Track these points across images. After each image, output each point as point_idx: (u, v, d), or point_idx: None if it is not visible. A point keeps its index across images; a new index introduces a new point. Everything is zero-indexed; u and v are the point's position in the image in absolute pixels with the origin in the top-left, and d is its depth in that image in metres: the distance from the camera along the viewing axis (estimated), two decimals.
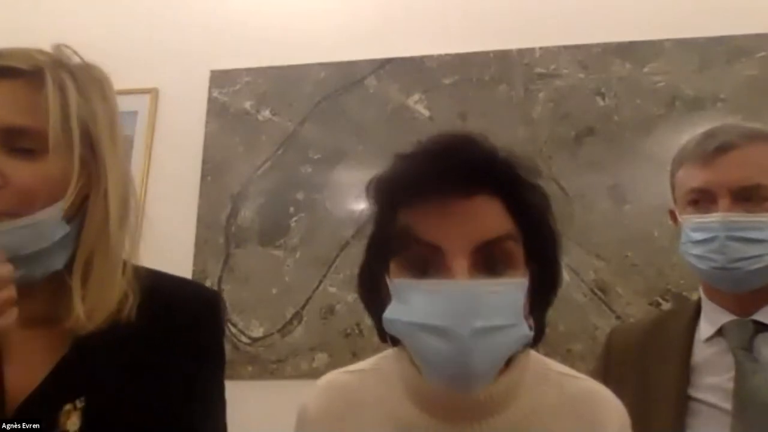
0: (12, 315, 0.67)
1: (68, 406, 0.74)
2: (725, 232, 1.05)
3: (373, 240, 0.80)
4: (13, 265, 0.69)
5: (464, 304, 0.68)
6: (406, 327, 0.72)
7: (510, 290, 0.71)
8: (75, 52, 0.82)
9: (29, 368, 0.76)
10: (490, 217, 0.73)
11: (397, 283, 0.73)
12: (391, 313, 0.74)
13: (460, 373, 0.69)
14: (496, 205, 0.74)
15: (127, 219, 0.81)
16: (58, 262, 0.76)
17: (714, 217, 1.06)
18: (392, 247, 0.75)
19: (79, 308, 0.75)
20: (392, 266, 0.75)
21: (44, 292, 0.76)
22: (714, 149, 1.08)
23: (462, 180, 0.71)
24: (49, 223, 0.74)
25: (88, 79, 0.80)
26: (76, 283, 0.76)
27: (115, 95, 0.83)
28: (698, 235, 1.08)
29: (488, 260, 0.71)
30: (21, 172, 0.72)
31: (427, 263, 0.72)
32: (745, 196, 1.06)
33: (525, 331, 0.72)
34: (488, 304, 0.69)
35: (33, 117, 0.73)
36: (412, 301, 0.71)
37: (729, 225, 1.05)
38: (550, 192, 0.80)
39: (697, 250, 1.09)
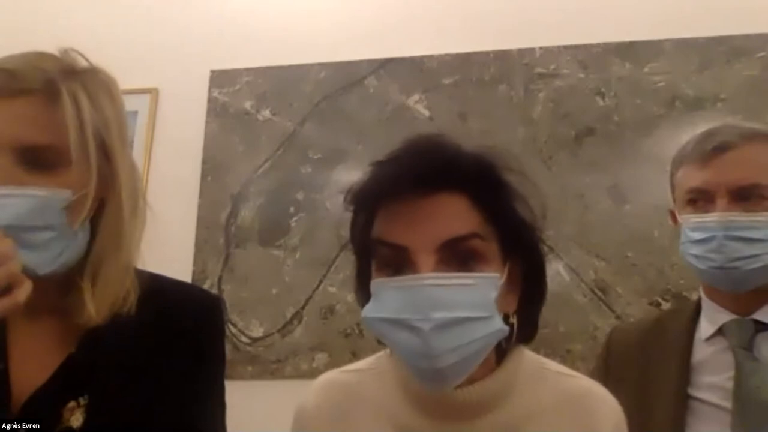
0: (26, 290, 0.68)
1: (72, 403, 0.76)
2: (723, 232, 1.05)
3: (355, 247, 0.83)
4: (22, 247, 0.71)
5: (424, 296, 0.70)
6: (378, 323, 0.74)
7: (478, 284, 0.72)
8: (81, 55, 0.83)
9: (35, 364, 0.77)
10: (454, 215, 0.74)
11: (373, 283, 0.76)
12: (366, 311, 0.76)
13: (428, 367, 0.71)
14: (461, 203, 0.75)
15: (136, 219, 0.83)
16: (66, 257, 0.77)
17: (712, 217, 1.06)
18: (368, 252, 0.78)
19: (90, 306, 0.76)
20: (372, 270, 0.77)
21: (52, 284, 0.77)
22: (712, 149, 1.08)
23: (424, 180, 0.73)
24: (56, 199, 0.75)
25: (97, 84, 0.81)
26: (87, 283, 0.78)
27: (122, 97, 0.85)
28: (697, 235, 1.08)
29: (456, 257, 0.73)
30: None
31: (398, 264, 0.74)
32: (744, 196, 1.06)
33: (498, 325, 0.73)
34: (451, 297, 0.70)
35: (51, 133, 0.75)
36: (384, 298, 0.73)
37: (727, 224, 1.05)
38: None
39: (695, 250, 1.09)
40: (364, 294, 0.81)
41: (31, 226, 0.74)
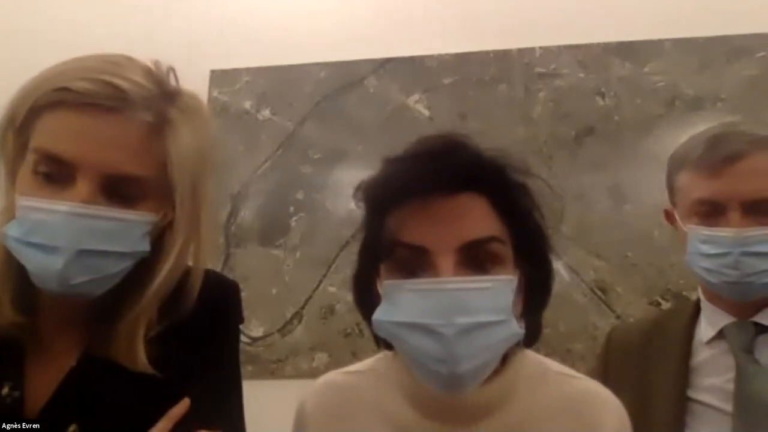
0: None
1: (73, 427, 0.74)
2: (740, 248, 1.01)
3: (364, 245, 0.80)
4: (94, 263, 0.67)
5: (448, 301, 0.68)
6: (393, 327, 0.72)
7: (497, 287, 0.71)
8: (173, 71, 0.80)
9: (46, 380, 0.75)
10: (474, 217, 0.73)
11: (386, 284, 0.73)
12: (379, 314, 0.73)
13: (447, 373, 0.69)
14: (482, 205, 0.74)
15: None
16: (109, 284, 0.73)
17: (727, 232, 1.02)
18: (380, 253, 0.75)
19: (141, 356, 0.74)
20: (382, 270, 0.75)
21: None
22: (723, 158, 1.03)
23: (445, 180, 0.71)
24: (139, 225, 0.71)
25: (196, 113, 0.77)
26: (139, 329, 0.75)
27: (209, 124, 0.80)
28: (709, 249, 1.04)
29: (474, 260, 0.71)
30: None
31: (415, 265, 0.72)
32: (757, 209, 1.02)
33: (515, 328, 0.72)
34: (473, 301, 0.69)
35: (144, 165, 0.70)
36: (400, 302, 0.71)
37: (743, 241, 1.01)
38: (545, 190, 0.79)
39: (708, 264, 1.05)
40: (366, 293, 0.79)
41: (112, 252, 0.70)
